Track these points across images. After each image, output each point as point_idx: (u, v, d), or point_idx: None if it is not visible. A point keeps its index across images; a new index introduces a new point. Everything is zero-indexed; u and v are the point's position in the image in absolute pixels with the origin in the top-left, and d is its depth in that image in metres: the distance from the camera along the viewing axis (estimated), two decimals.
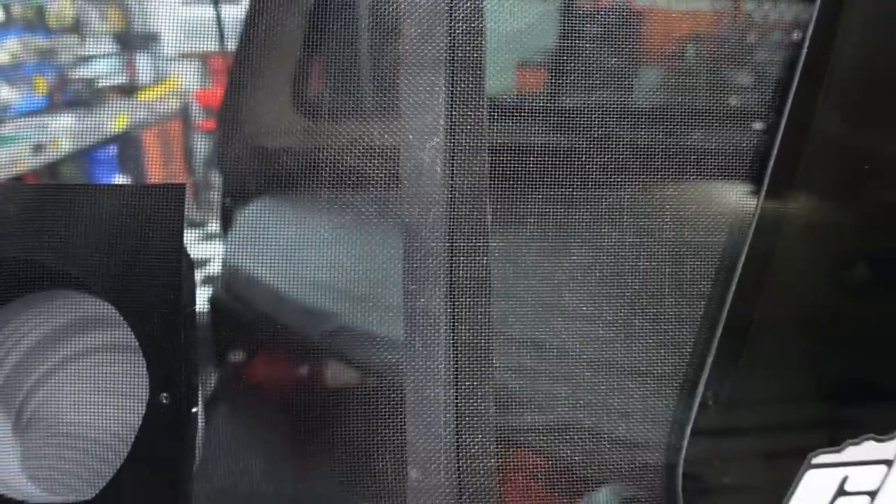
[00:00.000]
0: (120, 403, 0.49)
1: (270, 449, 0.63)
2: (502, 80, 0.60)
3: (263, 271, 0.59)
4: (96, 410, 0.49)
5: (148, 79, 0.89)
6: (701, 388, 0.55)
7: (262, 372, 0.62)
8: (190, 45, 0.73)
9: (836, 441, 0.59)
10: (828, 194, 0.60)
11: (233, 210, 0.65)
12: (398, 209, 0.49)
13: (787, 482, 0.59)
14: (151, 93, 0.88)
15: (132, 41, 0.86)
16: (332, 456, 0.60)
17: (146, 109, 0.87)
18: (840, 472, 0.59)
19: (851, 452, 0.60)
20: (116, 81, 0.90)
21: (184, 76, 0.94)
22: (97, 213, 0.47)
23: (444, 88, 0.48)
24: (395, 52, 0.51)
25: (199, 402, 0.46)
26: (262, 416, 0.64)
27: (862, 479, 0.60)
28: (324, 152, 0.55)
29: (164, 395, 0.46)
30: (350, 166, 0.53)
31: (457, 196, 0.49)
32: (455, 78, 0.49)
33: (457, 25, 0.48)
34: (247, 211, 0.64)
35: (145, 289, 0.46)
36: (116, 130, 0.86)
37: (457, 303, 0.52)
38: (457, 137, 0.49)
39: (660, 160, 0.57)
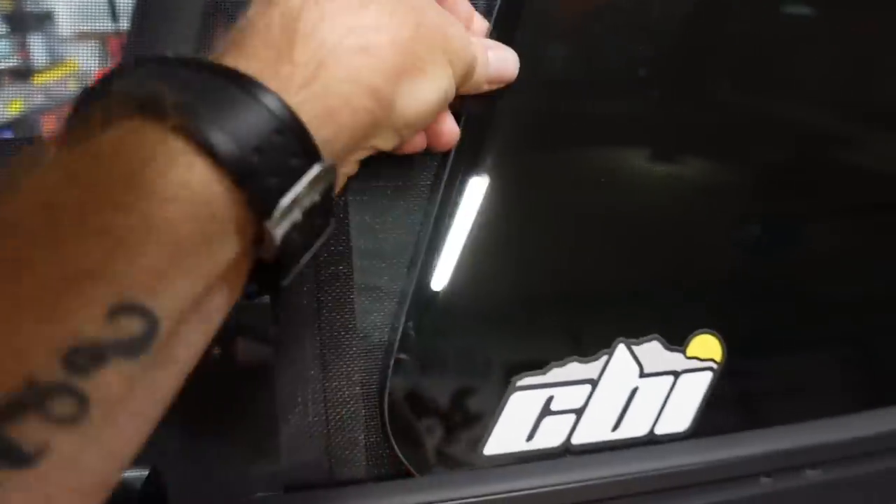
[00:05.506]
0: None
1: None
2: None
3: None
4: None
5: (44, 61, 0.85)
6: (402, 319, 0.57)
7: None
8: (88, 26, 0.70)
9: (540, 365, 0.60)
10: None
11: None
12: None
13: (495, 406, 0.60)
14: (48, 76, 0.85)
15: (25, 21, 0.83)
16: None
17: (43, 93, 0.84)
18: (545, 393, 0.60)
19: (556, 374, 0.60)
20: (9, 64, 0.86)
21: (83, 58, 0.90)
22: None
23: None
24: None
25: None
26: None
27: (567, 398, 0.61)
28: None
29: None
30: None
31: None
32: None
33: None
34: None
35: None
36: (11, 115, 0.83)
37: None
38: None
39: None
